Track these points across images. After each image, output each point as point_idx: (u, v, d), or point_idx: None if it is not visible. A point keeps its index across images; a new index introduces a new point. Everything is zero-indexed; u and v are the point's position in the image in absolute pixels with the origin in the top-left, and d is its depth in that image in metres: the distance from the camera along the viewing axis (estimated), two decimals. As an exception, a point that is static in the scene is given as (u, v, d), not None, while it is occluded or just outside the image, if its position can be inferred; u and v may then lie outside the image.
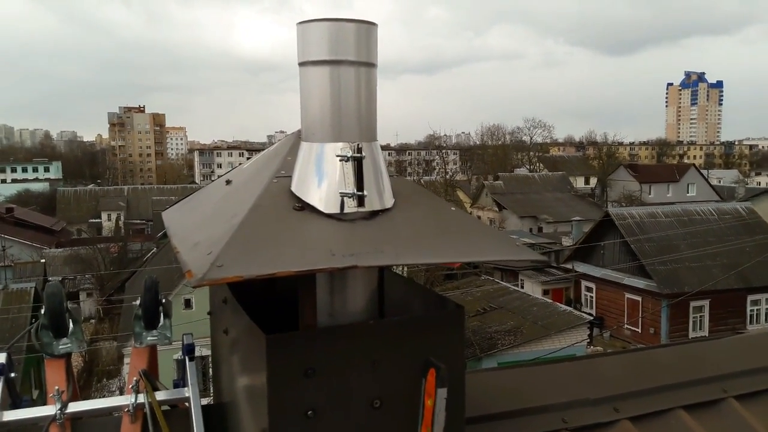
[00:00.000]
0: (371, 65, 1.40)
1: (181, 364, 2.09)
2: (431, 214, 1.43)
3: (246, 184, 1.59)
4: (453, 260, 1.25)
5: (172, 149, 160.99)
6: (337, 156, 1.35)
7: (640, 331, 28.17)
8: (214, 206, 1.62)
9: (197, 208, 1.79)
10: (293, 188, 1.41)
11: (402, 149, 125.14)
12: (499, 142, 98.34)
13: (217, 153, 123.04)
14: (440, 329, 1.40)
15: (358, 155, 1.34)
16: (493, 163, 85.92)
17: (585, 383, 2.41)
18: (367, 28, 1.38)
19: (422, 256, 1.28)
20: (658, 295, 27.11)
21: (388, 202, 1.41)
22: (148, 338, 2.10)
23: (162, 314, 2.10)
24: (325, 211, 1.35)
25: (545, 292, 31.83)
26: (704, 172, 71.55)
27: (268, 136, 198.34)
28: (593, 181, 74.79)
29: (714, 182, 68.29)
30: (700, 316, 27.96)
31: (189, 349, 2.04)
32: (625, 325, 28.70)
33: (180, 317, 20.64)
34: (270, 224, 1.29)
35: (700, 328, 27.85)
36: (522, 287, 31.92)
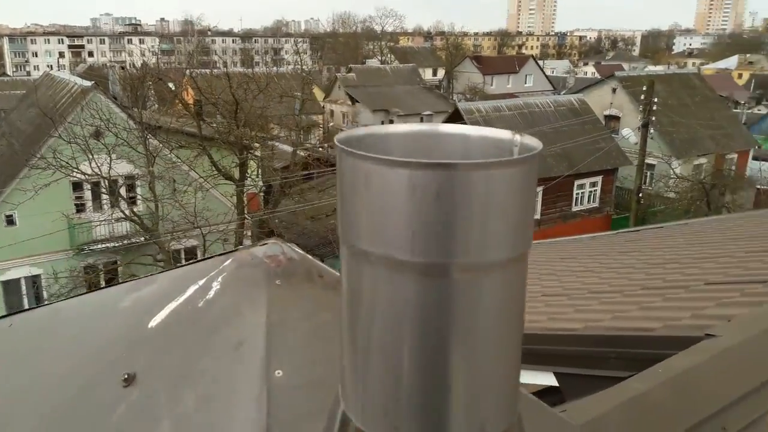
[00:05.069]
0: None
1: None
2: None
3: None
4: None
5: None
6: None
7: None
8: None
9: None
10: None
11: (247, 36, 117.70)
12: (351, 31, 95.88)
13: (32, 40, 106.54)
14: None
15: None
16: (345, 53, 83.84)
17: None
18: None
19: None
20: (499, 183, 29.04)
21: None
22: None
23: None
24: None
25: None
26: (540, 62, 75.67)
27: (92, 19, 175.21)
28: (441, 72, 76.25)
29: (548, 72, 72.64)
30: (535, 201, 30.56)
31: None
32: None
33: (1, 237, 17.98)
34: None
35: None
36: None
